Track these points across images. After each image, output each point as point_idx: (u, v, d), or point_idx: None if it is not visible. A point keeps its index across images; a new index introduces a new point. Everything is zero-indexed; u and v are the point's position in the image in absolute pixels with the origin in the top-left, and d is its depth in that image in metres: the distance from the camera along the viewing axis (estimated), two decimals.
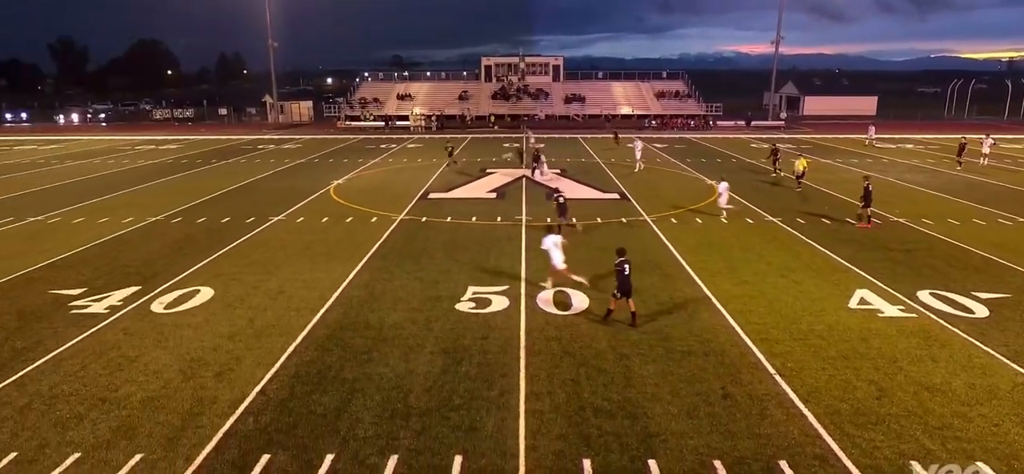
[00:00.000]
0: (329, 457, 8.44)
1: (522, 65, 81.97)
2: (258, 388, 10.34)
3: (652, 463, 8.28)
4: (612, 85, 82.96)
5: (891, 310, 13.76)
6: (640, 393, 10.14)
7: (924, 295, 14.63)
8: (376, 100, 77.48)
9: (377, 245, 19.27)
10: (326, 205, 25.79)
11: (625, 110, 73.94)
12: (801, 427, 9.16)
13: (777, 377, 10.68)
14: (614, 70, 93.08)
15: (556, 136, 57.09)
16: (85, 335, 12.51)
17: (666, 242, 19.60)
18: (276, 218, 23.17)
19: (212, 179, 32.97)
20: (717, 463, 8.30)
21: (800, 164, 28.48)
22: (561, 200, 20.53)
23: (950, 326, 12.83)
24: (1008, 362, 11.19)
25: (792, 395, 10.07)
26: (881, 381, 10.56)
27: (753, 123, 69.27)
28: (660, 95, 77.67)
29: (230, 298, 14.62)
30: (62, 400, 9.99)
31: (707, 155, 43.17)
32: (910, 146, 47.78)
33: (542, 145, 44.03)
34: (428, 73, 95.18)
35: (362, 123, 70.86)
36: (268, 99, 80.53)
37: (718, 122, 70.47)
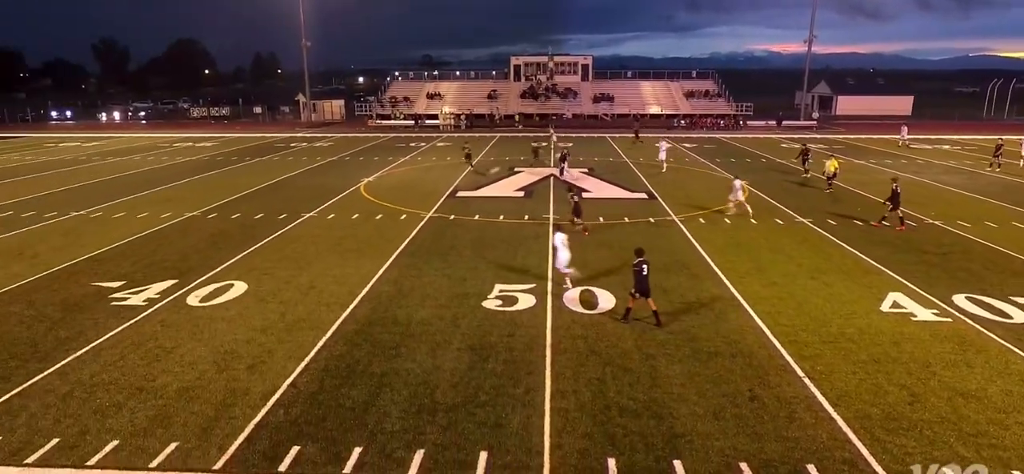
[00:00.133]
0: (357, 450, 8.58)
1: (551, 64, 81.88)
2: (289, 381, 10.56)
3: (677, 464, 8.24)
4: (641, 84, 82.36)
5: (925, 314, 13.44)
6: (666, 393, 10.09)
7: (960, 299, 14.24)
8: (406, 99, 78.27)
9: (406, 242, 19.50)
10: (356, 202, 26.16)
11: (654, 110, 73.37)
12: (830, 431, 9.01)
13: (806, 380, 10.53)
14: (643, 69, 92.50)
15: (584, 135, 56.91)
16: (124, 326, 12.93)
17: (694, 242, 19.43)
18: (308, 215, 23.60)
19: (246, 176, 33.70)
20: (743, 465, 8.22)
21: (831, 165, 27.92)
22: (576, 200, 20.70)
23: (986, 331, 12.47)
24: None
25: (821, 398, 9.91)
26: (914, 386, 10.33)
27: (784, 123, 68.08)
28: (689, 94, 76.89)
29: (263, 292, 14.96)
30: (102, 389, 10.35)
31: (737, 155, 42.59)
32: (946, 147, 46.46)
33: (570, 144, 43.98)
34: (457, 72, 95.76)
35: (392, 122, 71.65)
36: (301, 98, 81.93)
37: (748, 122, 69.48)
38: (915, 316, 13.34)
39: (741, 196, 22.84)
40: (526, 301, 14.21)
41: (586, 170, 35.13)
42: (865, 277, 15.99)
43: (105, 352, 11.73)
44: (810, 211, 23.71)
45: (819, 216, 22.83)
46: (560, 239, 14.94)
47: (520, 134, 58.63)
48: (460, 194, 27.86)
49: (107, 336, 12.44)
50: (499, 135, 57.30)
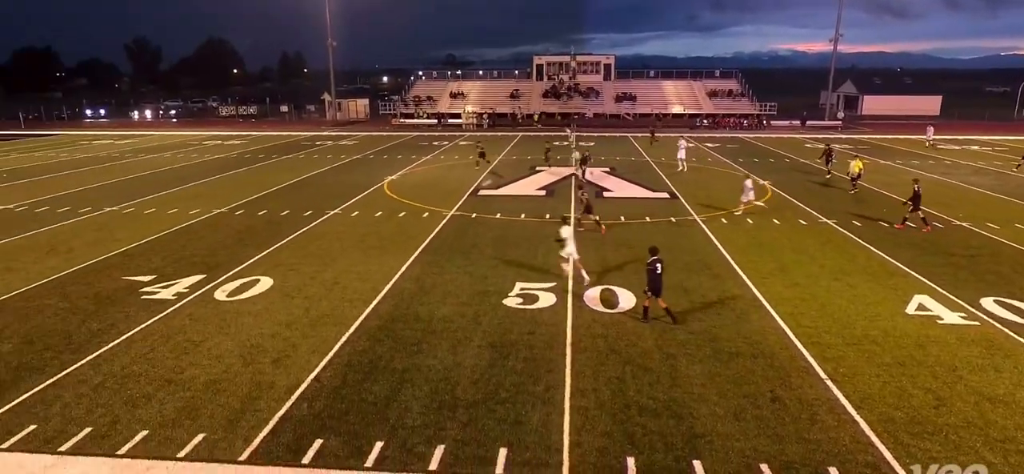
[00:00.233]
0: (378, 444, 8.70)
1: (573, 64, 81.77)
2: (313, 375, 10.74)
3: (697, 464, 8.21)
4: (663, 84, 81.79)
5: (952, 317, 13.18)
6: (686, 393, 10.06)
7: (988, 302, 13.94)
8: (430, 98, 78.69)
9: (428, 240, 19.66)
10: (380, 200, 26.43)
11: (676, 109, 72.80)
12: (852, 434, 8.90)
13: (828, 382, 10.41)
14: (665, 69, 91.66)
15: (606, 134, 56.68)
16: (154, 319, 13.26)
17: (716, 242, 19.28)
18: (332, 212, 23.91)
19: (273, 174, 34.23)
20: (764, 467, 8.16)
21: (855, 165, 27.46)
22: (585, 197, 20.97)
23: (1016, 335, 12.19)
24: None
25: (844, 401, 9.79)
26: (939, 390, 10.15)
27: (809, 123, 67.01)
28: (712, 94, 76.18)
29: (288, 288, 15.22)
30: (132, 380, 10.63)
31: (760, 155, 42.08)
32: (976, 148, 45.32)
33: (592, 144, 43.80)
34: (480, 72, 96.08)
35: (416, 121, 72.11)
36: (327, 97, 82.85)
37: (772, 122, 68.54)
38: (941, 319, 13.09)
39: (752, 196, 22.71)
40: (547, 299, 14.24)
41: (607, 170, 35.00)
42: (890, 279, 15.72)
43: (136, 344, 12.06)
44: (834, 212, 23.37)
45: (843, 217, 22.49)
46: (566, 231, 15.38)
47: (540, 133, 58.59)
48: (482, 192, 27.97)
49: (137, 329, 12.78)
50: (520, 134, 57.34)
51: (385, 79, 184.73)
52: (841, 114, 74.66)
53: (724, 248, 18.56)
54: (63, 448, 8.66)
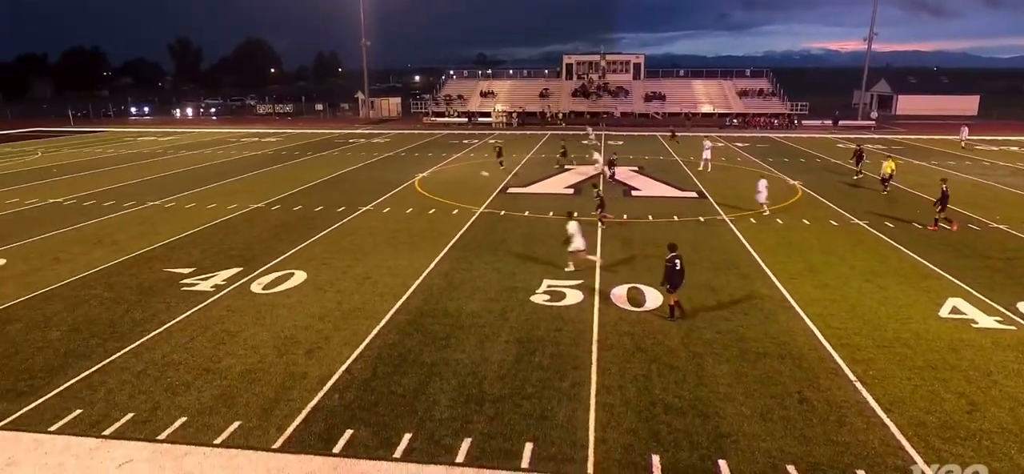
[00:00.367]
0: (407, 436, 8.87)
1: (603, 63, 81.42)
2: (344, 367, 10.99)
3: (722, 463, 8.18)
4: (693, 83, 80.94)
5: (986, 321, 12.82)
6: (712, 392, 10.01)
7: None
8: (460, 97, 79.16)
9: (458, 236, 19.86)
10: (411, 197, 26.77)
11: (706, 108, 71.87)
12: (882, 437, 8.76)
13: (858, 384, 10.24)
14: (695, 68, 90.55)
15: (635, 133, 56.25)
16: (193, 310, 13.72)
17: (744, 242, 19.07)
18: (365, 208, 24.31)
19: (308, 170, 34.92)
20: (790, 468, 8.10)
21: (888, 166, 26.82)
22: (600, 195, 21.28)
23: None
24: None
25: (873, 404, 9.64)
26: (973, 394, 9.91)
27: (841, 123, 65.39)
28: (743, 93, 75.12)
29: (321, 282, 15.57)
30: (172, 368, 11.03)
31: (790, 155, 41.30)
32: (1015, 149, 43.61)
33: (620, 142, 43.48)
34: (510, 71, 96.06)
35: (446, 119, 72.61)
36: (360, 95, 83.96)
37: (803, 121, 67.13)
38: (976, 323, 12.75)
39: (764, 196, 22.48)
40: (574, 297, 14.29)
41: (636, 168, 34.79)
42: (923, 281, 15.37)
43: (176, 334, 12.49)
44: (866, 213, 22.89)
45: (875, 218, 22.03)
46: (573, 227, 15.74)
47: (565, 132, 58.43)
48: (511, 190, 28.10)
49: (178, 319, 13.23)
50: (549, 133, 57.26)
51: (417, 78, 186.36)
52: (874, 114, 72.67)
53: (752, 248, 18.34)
54: (107, 432, 9.04)
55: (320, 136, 56.57)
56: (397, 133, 58.73)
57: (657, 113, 72.05)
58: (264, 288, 15.17)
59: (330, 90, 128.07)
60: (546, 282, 15.27)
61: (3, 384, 10.46)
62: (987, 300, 13.97)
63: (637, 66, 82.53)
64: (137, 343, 12.07)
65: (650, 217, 22.49)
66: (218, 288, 15.15)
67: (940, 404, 9.64)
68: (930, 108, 76.20)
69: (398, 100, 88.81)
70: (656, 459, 8.30)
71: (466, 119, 71.68)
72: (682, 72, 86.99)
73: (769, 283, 15.33)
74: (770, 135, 55.97)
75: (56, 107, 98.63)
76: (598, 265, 16.31)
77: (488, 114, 71.27)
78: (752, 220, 21.90)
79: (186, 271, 16.53)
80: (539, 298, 14.25)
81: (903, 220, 21.71)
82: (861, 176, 30.60)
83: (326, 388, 10.25)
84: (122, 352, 11.68)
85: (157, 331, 12.63)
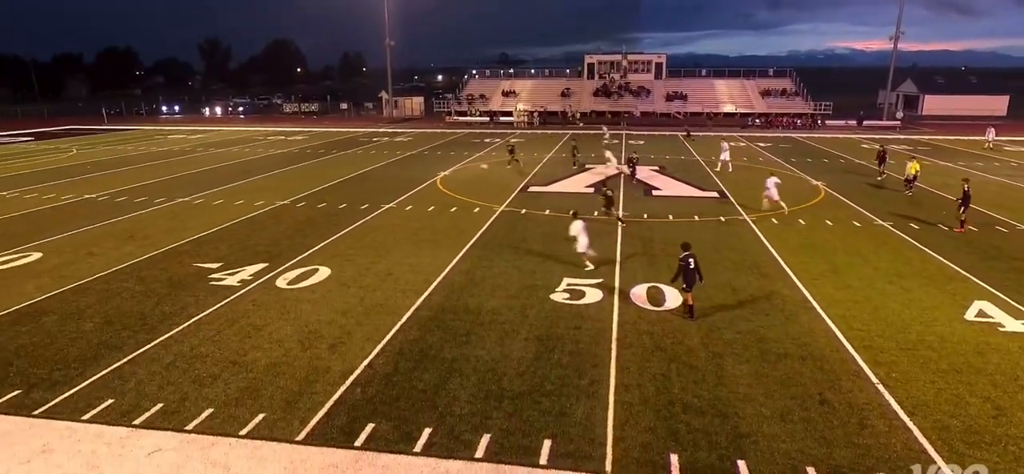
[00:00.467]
0: (427, 431, 8.98)
1: (624, 63, 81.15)
2: (366, 362, 11.15)
3: (741, 464, 8.14)
4: (715, 82, 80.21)
5: (1014, 324, 12.54)
6: (732, 393, 9.96)
7: None
8: (482, 96, 79.37)
9: (479, 234, 19.97)
10: (433, 195, 26.96)
11: (728, 108, 71.13)
12: (904, 440, 8.63)
13: (880, 387, 10.10)
14: (718, 68, 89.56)
15: (656, 133, 55.87)
16: (221, 304, 14.01)
17: (766, 242, 18.88)
18: (387, 205, 24.56)
19: (332, 168, 35.37)
20: (810, 470, 8.03)
21: (912, 167, 26.29)
22: (609, 194, 21.21)
23: None
24: None
25: (896, 407, 9.50)
26: (999, 399, 9.71)
27: (866, 123, 64.13)
28: (765, 93, 74.30)
29: (344, 277, 15.79)
30: (200, 360, 11.30)
31: (813, 155, 40.67)
32: None
33: (641, 142, 43.16)
34: (532, 70, 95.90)
35: (468, 118, 72.87)
36: (384, 95, 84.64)
37: (827, 121, 66.04)
38: (1003, 326, 12.47)
39: (775, 194, 22.19)
40: (593, 295, 14.29)
41: (657, 168, 34.58)
42: (948, 284, 15.08)
43: (204, 327, 12.78)
44: (890, 214, 22.51)
45: (899, 219, 21.66)
46: (578, 227, 15.99)
47: (581, 131, 58.24)
48: (532, 189, 28.14)
49: (206, 312, 13.54)
50: (570, 132, 57.13)
51: (440, 77, 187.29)
52: (900, 114, 71.09)
53: (774, 248, 18.16)
54: (137, 421, 9.31)
55: (344, 134, 57.20)
56: (420, 132, 59.12)
57: (678, 113, 71.50)
58: (289, 283, 15.43)
59: (355, 89, 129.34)
60: (566, 280, 15.29)
61: (38, 373, 10.83)
62: (1015, 303, 13.65)
63: (659, 65, 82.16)
64: (166, 336, 12.37)
65: (670, 217, 22.36)
66: (244, 283, 15.45)
67: (965, 408, 9.47)
68: (957, 108, 74.39)
69: (421, 99, 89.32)
70: (674, 458, 8.29)
71: (488, 118, 71.89)
72: (704, 72, 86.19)
73: (790, 284, 15.17)
74: (793, 135, 55.21)
75: (91, 105, 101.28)
76: (590, 266, 16.23)
77: (510, 113, 71.41)
78: (774, 220, 21.64)
79: (214, 266, 16.88)
80: (559, 296, 14.28)
81: (928, 222, 21.29)
82: (884, 177, 30.15)
83: (348, 382, 10.41)
84: (152, 344, 11.98)
85: (186, 324, 12.93)
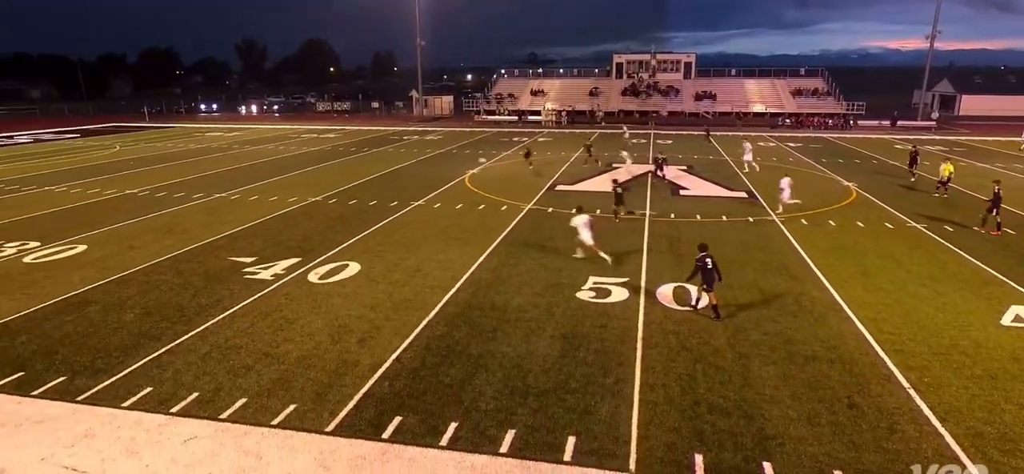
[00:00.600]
0: (453, 425, 9.11)
1: (653, 62, 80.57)
2: (394, 356, 11.34)
3: (767, 465, 8.09)
4: (745, 82, 79.12)
5: None
6: (758, 394, 9.87)
7: None
8: (511, 95, 79.49)
9: (506, 232, 20.09)
10: (461, 193, 27.17)
11: (758, 108, 70.02)
12: (936, 446, 8.46)
13: (911, 391, 9.91)
14: (748, 67, 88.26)
15: (684, 133, 55.28)
16: (254, 297, 14.38)
17: (795, 243, 18.61)
18: (416, 203, 24.84)
19: (363, 165, 35.89)
20: (838, 473, 7.94)
21: (946, 169, 25.57)
22: (619, 191, 21.46)
23: None
24: None
25: (928, 412, 9.31)
26: None
27: (899, 123, 62.38)
28: (796, 93, 72.98)
29: (374, 273, 16.05)
30: (234, 352, 11.62)
31: (845, 155, 39.80)
32: None
33: (669, 141, 42.74)
34: (561, 70, 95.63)
35: (497, 117, 73.08)
36: (414, 94, 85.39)
37: (860, 122, 64.40)
38: None
39: (787, 196, 21.91)
40: (619, 294, 14.28)
41: (685, 168, 34.26)
42: (984, 288, 14.66)
43: (238, 319, 13.14)
44: (923, 216, 21.96)
45: (933, 221, 21.11)
46: (581, 221, 16.24)
47: (603, 130, 57.92)
48: (559, 188, 28.15)
49: (240, 305, 13.91)
50: (597, 132, 56.89)
51: (469, 77, 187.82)
52: (936, 114, 68.95)
53: (803, 250, 17.88)
54: (174, 410, 9.63)
55: (376, 133, 57.90)
56: (449, 130, 59.52)
57: (707, 112, 70.64)
58: (320, 278, 15.74)
59: (386, 88, 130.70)
60: (592, 279, 15.29)
61: (82, 361, 11.28)
62: None
63: (688, 65, 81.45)
64: (203, 327, 12.75)
65: (698, 217, 22.17)
66: (277, 277, 15.81)
67: (1000, 415, 9.23)
68: (996, 108, 71.92)
69: (451, 98, 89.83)
70: (699, 458, 8.27)
71: (516, 117, 72.00)
72: (734, 71, 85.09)
73: (819, 285, 14.94)
74: (824, 135, 54.14)
75: (133, 104, 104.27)
76: (607, 259, 16.50)
77: (538, 113, 71.46)
78: (803, 222, 21.29)
79: (248, 260, 17.32)
80: (585, 295, 14.30)
81: (963, 224, 20.70)
82: (916, 178, 29.45)
83: (377, 376, 10.60)
84: (189, 335, 12.36)
85: (221, 316, 13.30)
